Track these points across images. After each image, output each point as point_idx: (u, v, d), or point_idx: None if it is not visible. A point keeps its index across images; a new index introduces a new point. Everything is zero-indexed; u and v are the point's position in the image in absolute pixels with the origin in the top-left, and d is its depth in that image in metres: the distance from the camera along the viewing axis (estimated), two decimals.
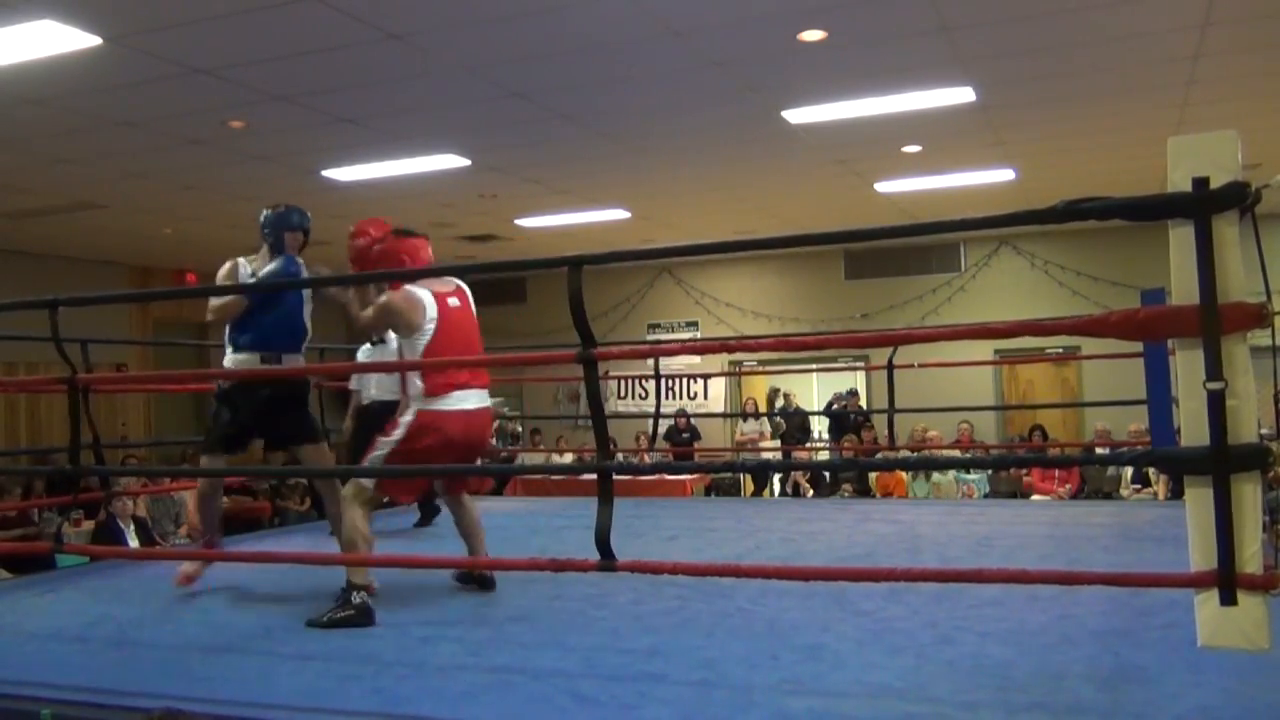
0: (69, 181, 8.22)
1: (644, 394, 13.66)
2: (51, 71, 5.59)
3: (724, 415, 13.40)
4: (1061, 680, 2.69)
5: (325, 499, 4.43)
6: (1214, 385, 2.12)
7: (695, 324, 13.99)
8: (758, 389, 14.14)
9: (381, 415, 5.81)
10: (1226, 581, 2.13)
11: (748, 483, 12.17)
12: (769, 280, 13.29)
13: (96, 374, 6.00)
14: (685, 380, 13.89)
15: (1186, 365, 2.18)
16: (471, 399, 3.80)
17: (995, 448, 10.90)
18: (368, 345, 5.95)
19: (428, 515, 6.23)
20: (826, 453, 11.77)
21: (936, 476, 10.00)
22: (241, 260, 4.27)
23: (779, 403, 13.47)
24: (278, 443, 4.55)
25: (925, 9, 5.20)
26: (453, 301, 3.89)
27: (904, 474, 10.09)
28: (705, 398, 13.83)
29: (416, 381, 3.73)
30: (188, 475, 10.01)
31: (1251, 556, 2.12)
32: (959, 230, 10.22)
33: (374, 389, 5.97)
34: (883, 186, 9.56)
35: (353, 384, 6.26)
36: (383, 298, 3.85)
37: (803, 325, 12.80)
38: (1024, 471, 9.94)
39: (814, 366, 12.60)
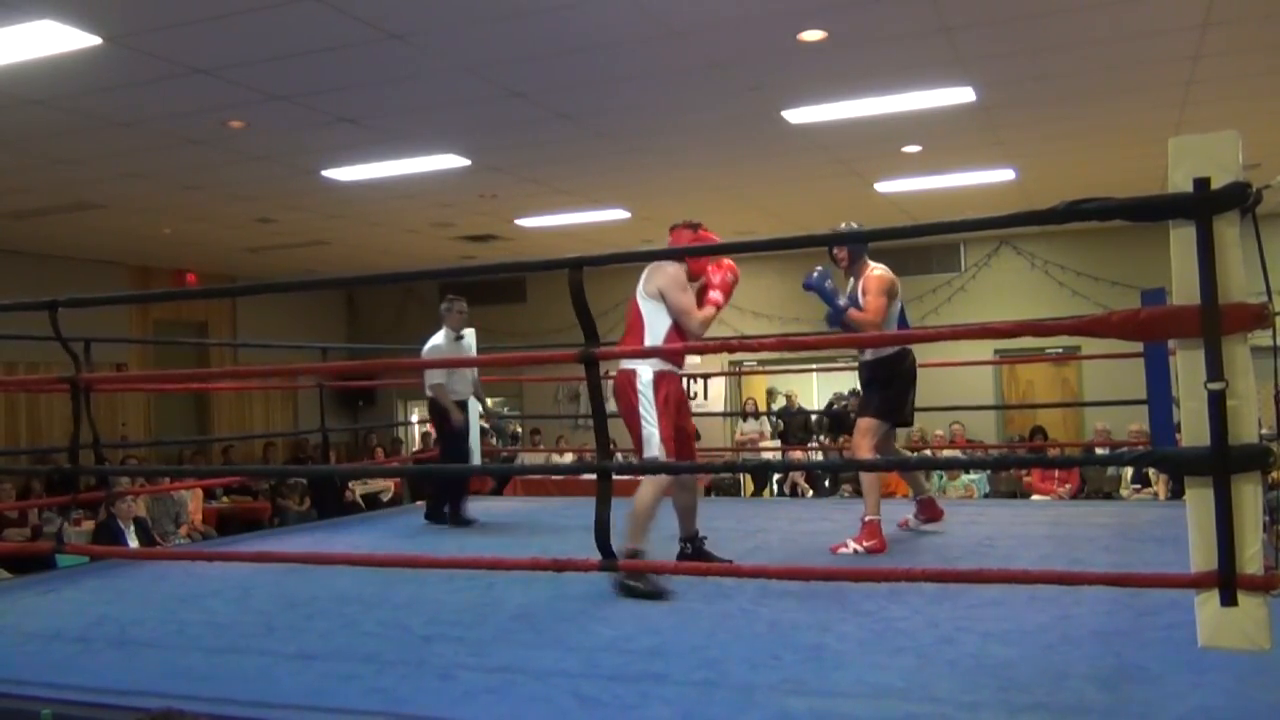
0: (69, 181, 8.21)
1: None
2: (51, 71, 5.58)
3: (724, 415, 13.40)
4: (1063, 680, 2.69)
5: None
6: (1215, 385, 2.12)
7: None
8: (758, 389, 14.12)
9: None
10: (1227, 582, 2.13)
11: (748, 483, 12.17)
12: (769, 280, 13.26)
13: (97, 374, 6.00)
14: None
15: (1187, 365, 2.18)
16: None
17: (995, 447, 10.90)
18: (440, 342, 6.26)
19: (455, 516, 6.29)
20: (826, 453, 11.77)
21: (944, 480, 9.97)
22: None
23: (776, 403, 13.44)
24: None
25: (925, 9, 5.20)
26: None
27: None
28: (705, 397, 13.81)
29: None
30: (188, 475, 10.07)
31: (1252, 557, 2.13)
32: (959, 231, 10.21)
33: (458, 385, 6.33)
34: (883, 186, 9.56)
35: (437, 378, 6.26)
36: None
37: (803, 325, 12.77)
38: (1024, 471, 9.92)
39: (814, 366, 12.59)
